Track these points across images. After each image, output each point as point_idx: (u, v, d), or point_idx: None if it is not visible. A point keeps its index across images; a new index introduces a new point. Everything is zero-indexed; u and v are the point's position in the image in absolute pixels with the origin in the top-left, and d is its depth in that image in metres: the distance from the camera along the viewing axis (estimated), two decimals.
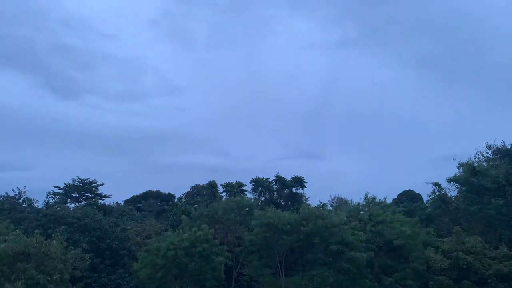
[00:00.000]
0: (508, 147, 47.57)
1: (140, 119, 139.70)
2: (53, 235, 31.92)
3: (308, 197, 59.80)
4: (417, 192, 65.89)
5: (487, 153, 49.88)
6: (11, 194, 45.50)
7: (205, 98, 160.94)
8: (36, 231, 30.99)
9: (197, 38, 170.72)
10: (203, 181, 63.98)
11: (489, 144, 49.73)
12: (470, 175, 44.36)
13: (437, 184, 53.05)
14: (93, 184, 56.76)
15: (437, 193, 52.77)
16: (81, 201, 55.31)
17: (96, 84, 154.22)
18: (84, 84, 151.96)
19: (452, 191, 51.25)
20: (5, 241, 27.60)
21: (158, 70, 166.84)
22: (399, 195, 66.93)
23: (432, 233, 44.63)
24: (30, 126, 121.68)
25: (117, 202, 61.60)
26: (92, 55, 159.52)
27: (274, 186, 59.80)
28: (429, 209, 53.46)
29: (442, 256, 38.50)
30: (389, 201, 50.34)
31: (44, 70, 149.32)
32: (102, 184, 57.37)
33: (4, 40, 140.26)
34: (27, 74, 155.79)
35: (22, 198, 45.89)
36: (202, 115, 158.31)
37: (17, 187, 46.13)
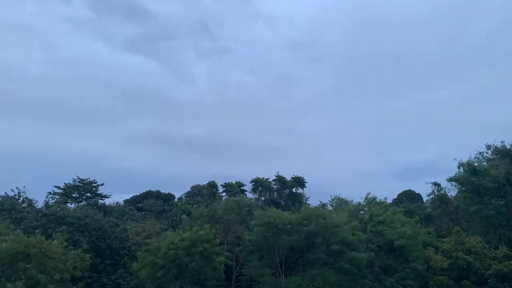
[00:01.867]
0: (508, 147, 47.50)
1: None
2: (53, 235, 31.86)
3: (308, 197, 60.02)
4: (417, 192, 66.18)
5: (487, 153, 49.77)
6: (11, 194, 45.47)
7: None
8: (37, 231, 30.93)
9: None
10: None
11: (489, 144, 49.74)
12: (470, 175, 44.30)
13: (436, 184, 53.10)
14: (93, 184, 56.76)
15: (437, 193, 52.77)
16: (81, 201, 55.28)
17: (220, 73, 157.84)
18: (207, 71, 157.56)
19: (452, 191, 51.26)
20: (5, 241, 27.48)
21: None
22: (399, 195, 67.15)
23: (432, 233, 44.65)
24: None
25: (117, 202, 61.80)
26: (235, 39, 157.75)
27: (274, 186, 59.89)
28: (429, 209, 53.48)
29: (442, 256, 38.52)
30: (389, 201, 50.45)
31: (172, 56, 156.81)
32: (102, 184, 57.43)
33: (146, 21, 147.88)
34: (153, 59, 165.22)
35: (21, 198, 45.78)
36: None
37: (17, 187, 46.10)
